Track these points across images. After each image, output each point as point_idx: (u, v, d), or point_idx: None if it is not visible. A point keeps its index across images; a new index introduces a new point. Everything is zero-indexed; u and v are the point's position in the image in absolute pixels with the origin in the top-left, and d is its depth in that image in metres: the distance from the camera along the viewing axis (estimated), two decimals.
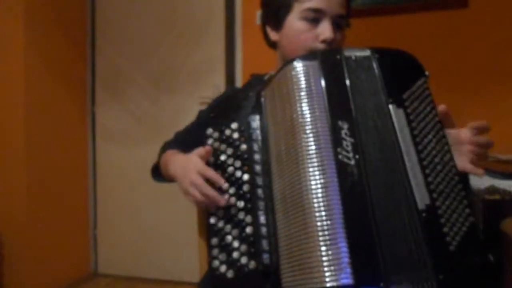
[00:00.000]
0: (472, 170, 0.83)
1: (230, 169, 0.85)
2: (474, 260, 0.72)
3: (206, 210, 0.85)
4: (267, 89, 0.87)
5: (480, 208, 1.42)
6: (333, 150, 0.73)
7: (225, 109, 0.90)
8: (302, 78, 0.78)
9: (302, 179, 0.73)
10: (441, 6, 2.10)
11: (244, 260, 0.79)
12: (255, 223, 0.80)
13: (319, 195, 0.71)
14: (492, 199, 1.45)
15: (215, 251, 0.81)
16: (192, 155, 0.89)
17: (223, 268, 0.80)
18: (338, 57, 0.80)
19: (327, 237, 0.68)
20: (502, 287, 1.28)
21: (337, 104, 0.76)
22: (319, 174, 0.72)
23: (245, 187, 0.83)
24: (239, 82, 2.51)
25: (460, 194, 0.76)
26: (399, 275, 0.68)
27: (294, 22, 0.97)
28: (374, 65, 0.81)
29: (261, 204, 0.81)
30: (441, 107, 0.82)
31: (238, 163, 0.85)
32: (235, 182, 0.84)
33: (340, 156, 0.73)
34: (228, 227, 0.82)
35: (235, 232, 0.81)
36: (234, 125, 0.87)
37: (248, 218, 0.81)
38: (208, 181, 0.84)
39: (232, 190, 0.84)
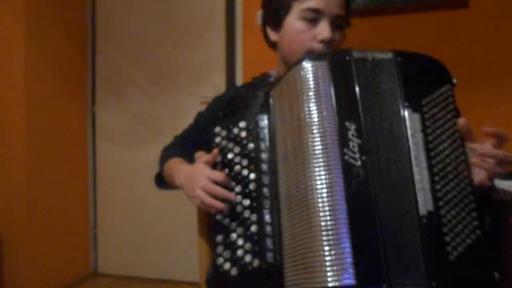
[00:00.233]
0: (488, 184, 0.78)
1: (237, 167, 0.86)
2: (474, 274, 0.72)
3: (212, 212, 0.86)
4: (276, 89, 0.87)
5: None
6: (340, 151, 0.73)
7: (233, 108, 0.90)
8: (311, 78, 0.78)
9: (308, 178, 0.73)
10: (441, 6, 2.10)
11: (248, 258, 0.80)
12: (260, 222, 0.81)
13: (324, 195, 0.71)
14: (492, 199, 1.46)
15: (220, 249, 0.82)
16: (198, 163, 0.90)
17: (227, 266, 0.81)
18: (347, 58, 0.80)
19: (331, 237, 0.69)
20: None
21: (345, 105, 0.76)
22: (325, 174, 0.72)
23: (251, 186, 0.84)
24: (239, 82, 2.50)
25: (469, 206, 0.75)
26: (402, 277, 0.69)
27: (293, 22, 0.97)
28: (395, 68, 0.81)
29: (267, 203, 0.82)
30: (461, 120, 0.79)
31: (245, 162, 0.86)
32: (242, 180, 0.85)
33: (346, 157, 0.73)
34: (233, 225, 0.83)
35: (240, 230, 0.82)
36: (242, 124, 0.88)
37: (253, 217, 0.82)
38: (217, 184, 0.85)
39: (238, 189, 0.84)
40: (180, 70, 2.68)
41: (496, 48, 2.04)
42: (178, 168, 1.01)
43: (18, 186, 2.36)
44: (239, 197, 0.84)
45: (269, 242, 0.79)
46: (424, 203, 0.73)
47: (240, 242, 0.81)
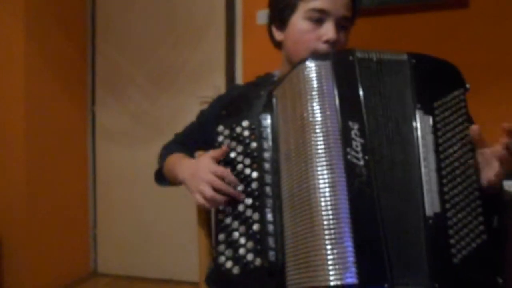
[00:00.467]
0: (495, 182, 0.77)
1: (240, 166, 0.86)
2: (477, 278, 0.72)
3: (214, 207, 0.86)
4: (279, 88, 0.87)
5: None
6: (342, 150, 0.73)
7: (237, 107, 0.90)
8: (314, 78, 0.78)
9: (310, 177, 0.73)
10: (441, 6, 2.10)
11: (250, 257, 0.80)
12: (263, 221, 0.81)
13: (327, 194, 0.71)
14: None
15: (222, 247, 0.82)
16: (204, 156, 0.90)
17: (229, 264, 0.81)
18: (351, 58, 0.80)
19: (333, 236, 0.69)
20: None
21: (348, 105, 0.76)
22: (327, 173, 0.72)
23: (254, 185, 0.84)
24: (239, 82, 2.50)
25: (476, 210, 0.75)
26: (404, 277, 0.69)
27: (298, 22, 0.97)
28: (407, 70, 0.81)
29: (269, 202, 0.82)
30: (474, 127, 0.78)
31: (247, 161, 0.86)
32: (244, 179, 0.85)
33: (349, 156, 0.73)
34: (236, 224, 0.83)
35: (242, 228, 0.82)
36: (245, 123, 0.88)
37: (256, 216, 0.82)
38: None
39: (240, 187, 0.84)
40: (180, 70, 2.68)
41: (496, 48, 2.04)
42: (180, 163, 1.00)
43: (18, 186, 2.36)
44: (241, 196, 0.84)
45: (271, 241, 0.79)
46: (431, 204, 0.73)
47: (242, 240, 0.81)
